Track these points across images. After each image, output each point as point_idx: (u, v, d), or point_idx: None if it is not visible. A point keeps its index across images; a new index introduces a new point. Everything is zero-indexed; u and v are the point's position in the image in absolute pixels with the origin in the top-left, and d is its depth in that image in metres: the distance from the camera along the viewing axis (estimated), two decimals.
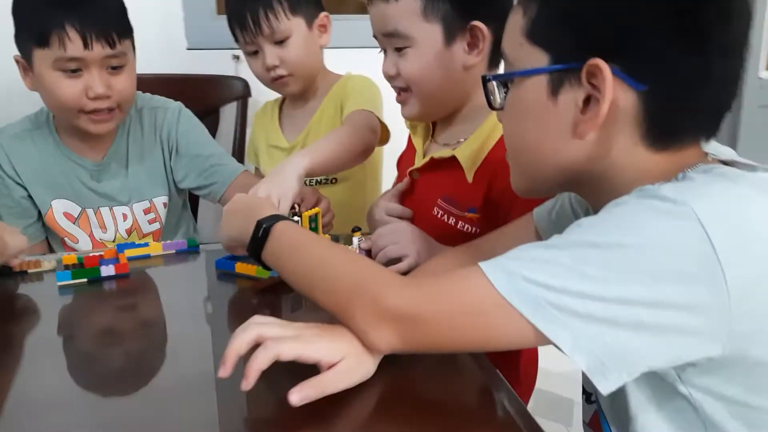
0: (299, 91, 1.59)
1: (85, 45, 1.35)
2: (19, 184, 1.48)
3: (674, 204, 0.61)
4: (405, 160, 1.37)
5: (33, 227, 1.50)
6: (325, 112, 1.58)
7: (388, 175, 1.71)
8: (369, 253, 1.13)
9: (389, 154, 1.54)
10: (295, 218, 1.13)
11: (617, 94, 0.67)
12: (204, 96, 1.84)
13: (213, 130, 1.87)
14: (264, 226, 0.87)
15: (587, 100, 0.69)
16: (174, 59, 1.90)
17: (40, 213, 1.51)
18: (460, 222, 1.17)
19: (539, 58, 0.72)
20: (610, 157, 0.71)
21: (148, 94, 1.60)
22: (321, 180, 1.59)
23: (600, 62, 0.66)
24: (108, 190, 1.53)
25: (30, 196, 1.49)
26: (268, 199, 1.06)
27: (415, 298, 0.68)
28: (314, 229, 1.18)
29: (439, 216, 1.20)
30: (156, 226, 1.57)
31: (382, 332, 0.68)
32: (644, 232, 0.61)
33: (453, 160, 1.17)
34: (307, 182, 1.57)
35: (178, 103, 1.60)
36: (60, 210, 1.51)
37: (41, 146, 1.50)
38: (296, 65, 1.53)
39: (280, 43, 1.50)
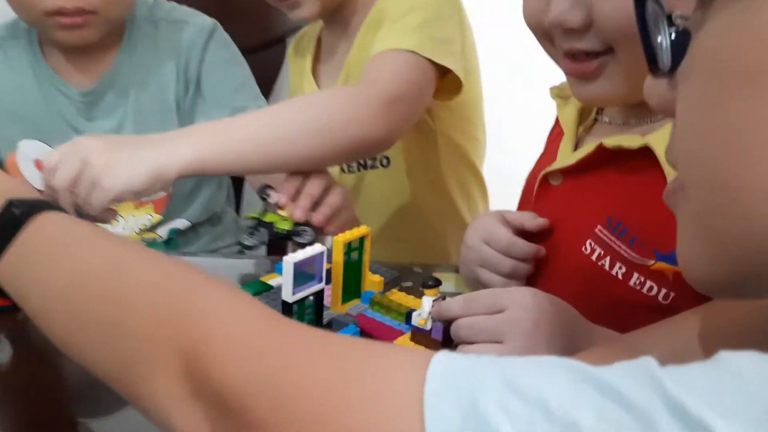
0: (319, 12, 0.98)
1: None
2: None
3: None
4: (549, 152, 0.79)
5: None
6: (365, 45, 0.97)
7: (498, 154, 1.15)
8: (448, 329, 0.58)
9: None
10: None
11: None
12: (267, 18, 1.32)
13: (275, 68, 1.36)
14: (16, 212, 0.46)
15: None
16: None
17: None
18: (636, 275, 0.61)
19: None
20: None
21: (173, 3, 1.11)
22: (366, 162, 1.03)
23: None
24: (100, 131, 1.06)
25: None
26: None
27: (257, 374, 0.33)
28: (356, 266, 0.65)
29: (594, 258, 0.64)
30: (161, 193, 1.09)
31: (189, 416, 0.34)
32: None
33: (643, 155, 0.61)
34: (355, 165, 1.03)
35: (213, 21, 1.09)
36: (29, 155, 1.05)
37: (15, 63, 1.07)
38: None
39: None
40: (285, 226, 0.76)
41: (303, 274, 0.59)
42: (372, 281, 0.67)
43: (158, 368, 0.36)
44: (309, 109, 0.79)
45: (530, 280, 0.69)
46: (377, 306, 0.66)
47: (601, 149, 0.64)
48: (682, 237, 0.37)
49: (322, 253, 0.60)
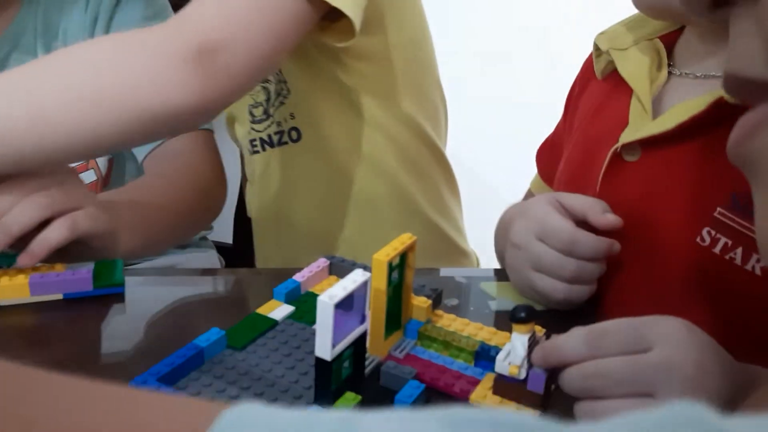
0: None
1: None
2: None
3: None
4: (590, 121, 0.63)
5: None
6: None
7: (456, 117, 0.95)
8: (553, 378, 0.42)
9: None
10: None
11: None
12: None
13: None
14: None
15: None
16: None
17: None
18: None
19: None
20: None
21: None
22: (271, 137, 0.82)
23: None
24: None
25: None
26: None
27: None
28: (397, 290, 0.47)
29: (717, 250, 0.50)
30: (90, 176, 0.87)
31: None
32: None
33: None
34: (259, 142, 0.84)
35: None
36: None
37: None
38: None
39: None
40: None
41: (340, 314, 0.41)
42: (418, 307, 0.50)
43: None
44: (77, 69, 0.54)
45: (619, 287, 0.54)
46: (429, 341, 0.48)
47: (719, 106, 0.48)
48: None
49: (365, 283, 0.41)
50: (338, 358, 0.41)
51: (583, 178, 0.59)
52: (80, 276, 0.53)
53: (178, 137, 0.81)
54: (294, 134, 0.80)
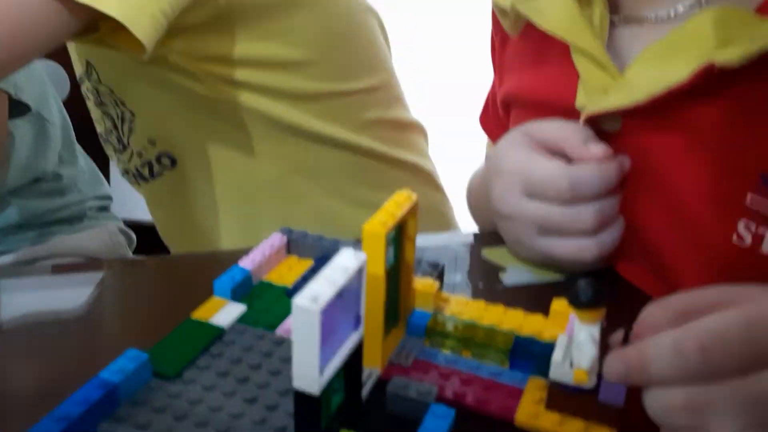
0: None
1: None
2: None
3: None
4: (529, 89, 0.51)
5: None
6: None
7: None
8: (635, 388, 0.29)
9: None
10: None
11: None
12: None
13: None
14: None
15: None
16: None
17: None
18: None
19: None
20: None
21: None
22: (140, 171, 0.69)
23: None
24: None
25: None
26: None
27: None
28: (392, 273, 0.33)
29: (765, 249, 0.37)
30: None
31: None
32: None
33: None
34: (131, 177, 0.71)
35: None
36: None
37: None
38: None
39: None
40: None
41: (327, 322, 0.27)
42: (423, 292, 0.36)
43: None
44: None
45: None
46: (441, 338, 0.35)
47: (707, 76, 0.37)
48: None
49: (360, 271, 0.27)
50: (328, 386, 0.27)
51: None
52: None
53: None
54: (166, 161, 0.66)
